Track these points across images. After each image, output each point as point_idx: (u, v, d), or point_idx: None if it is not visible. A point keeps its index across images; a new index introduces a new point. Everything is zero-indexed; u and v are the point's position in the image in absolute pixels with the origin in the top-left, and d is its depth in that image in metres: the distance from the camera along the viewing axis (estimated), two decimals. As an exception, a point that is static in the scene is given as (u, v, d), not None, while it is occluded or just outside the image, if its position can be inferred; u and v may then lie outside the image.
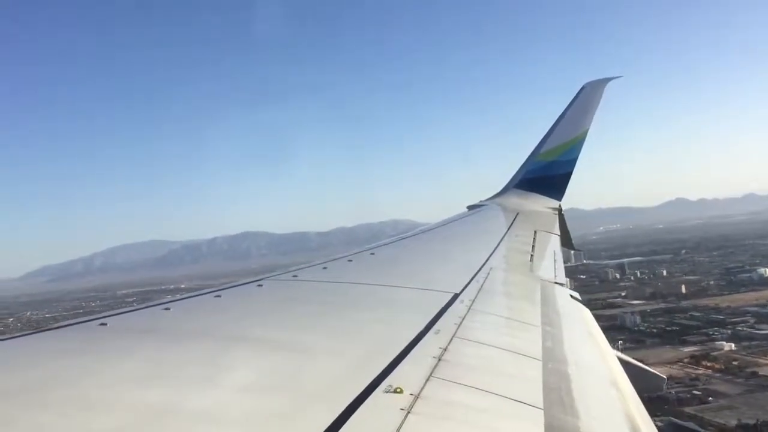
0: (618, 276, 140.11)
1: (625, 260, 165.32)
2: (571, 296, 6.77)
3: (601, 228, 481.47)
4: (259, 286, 5.12)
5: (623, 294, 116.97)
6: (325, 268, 6.26)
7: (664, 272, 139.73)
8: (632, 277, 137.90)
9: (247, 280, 5.48)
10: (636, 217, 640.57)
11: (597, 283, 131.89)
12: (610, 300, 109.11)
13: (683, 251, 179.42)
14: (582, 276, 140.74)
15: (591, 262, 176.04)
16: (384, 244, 8.80)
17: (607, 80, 16.18)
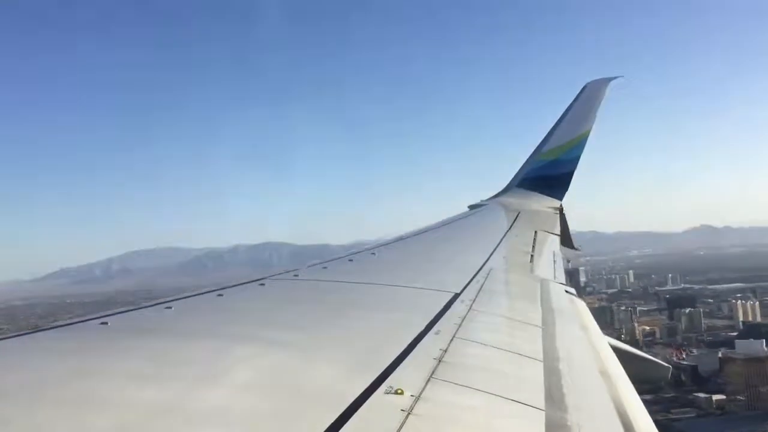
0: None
1: (738, 285, 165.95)
2: (567, 291, 6.73)
3: (635, 251, 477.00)
4: (260, 285, 5.14)
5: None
6: (325, 267, 6.30)
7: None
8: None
9: (249, 280, 5.45)
10: (663, 242, 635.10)
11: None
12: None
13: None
14: (710, 300, 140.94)
15: (691, 286, 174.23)
16: (384, 244, 8.67)
17: (609, 79, 15.95)
